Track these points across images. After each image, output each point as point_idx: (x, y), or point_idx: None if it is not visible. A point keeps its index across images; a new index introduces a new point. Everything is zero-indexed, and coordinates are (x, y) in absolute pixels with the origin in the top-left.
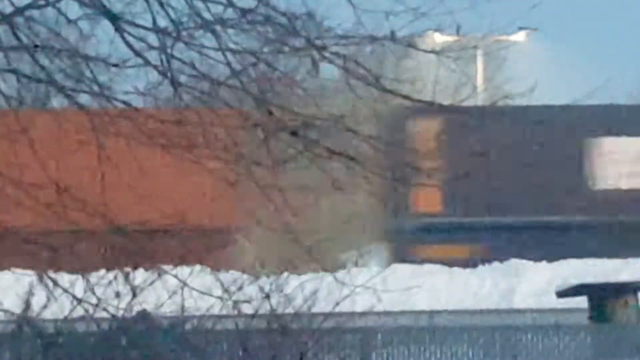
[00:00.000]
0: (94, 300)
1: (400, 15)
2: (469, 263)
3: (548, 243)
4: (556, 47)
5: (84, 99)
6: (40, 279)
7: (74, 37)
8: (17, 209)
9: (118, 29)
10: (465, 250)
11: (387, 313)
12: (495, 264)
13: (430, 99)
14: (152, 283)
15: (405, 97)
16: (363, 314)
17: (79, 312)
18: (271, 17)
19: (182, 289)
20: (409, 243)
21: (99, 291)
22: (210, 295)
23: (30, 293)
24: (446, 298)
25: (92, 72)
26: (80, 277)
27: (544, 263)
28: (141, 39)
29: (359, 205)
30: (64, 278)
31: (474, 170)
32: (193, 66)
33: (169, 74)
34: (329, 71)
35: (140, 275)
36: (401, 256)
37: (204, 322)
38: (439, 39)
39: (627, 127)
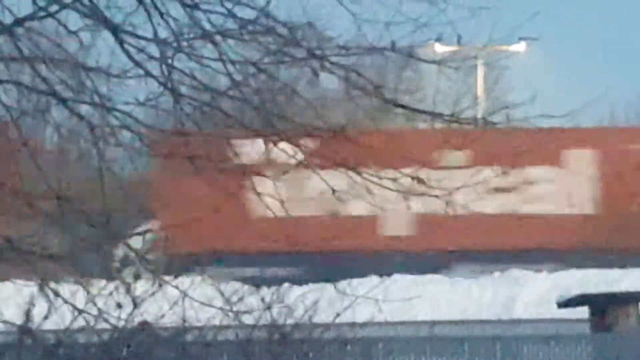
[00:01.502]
0: (94, 311)
1: (401, 26)
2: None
3: None
4: (556, 57)
5: (84, 109)
6: (41, 289)
7: (75, 48)
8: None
9: (118, 40)
10: None
11: (388, 323)
12: (496, 273)
13: (430, 109)
14: (153, 294)
15: (406, 107)
16: (364, 325)
17: (80, 322)
18: (272, 27)
19: (183, 299)
20: None
21: (99, 302)
22: (211, 306)
23: (31, 304)
24: (447, 308)
25: (92, 82)
26: (81, 287)
27: (544, 273)
28: (142, 50)
29: None
30: (65, 288)
31: None
32: (193, 77)
33: (169, 85)
34: (330, 81)
35: (141, 286)
36: None
37: (205, 332)
38: (440, 49)
39: None
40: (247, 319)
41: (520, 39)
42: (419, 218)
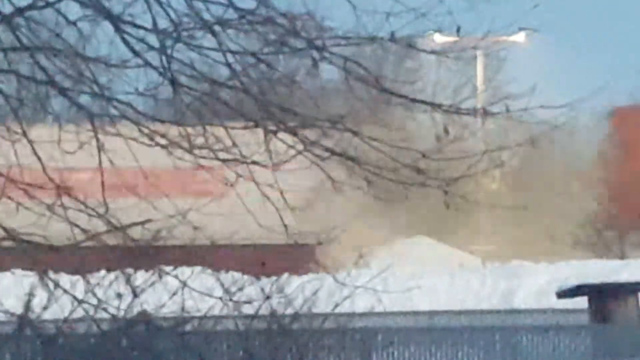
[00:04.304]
0: (94, 301)
1: (401, 16)
2: None
3: None
4: (557, 47)
5: (84, 99)
6: (41, 280)
7: (74, 38)
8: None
9: (118, 30)
10: None
11: (387, 314)
12: (496, 265)
13: (430, 100)
14: (152, 284)
15: (405, 97)
16: (363, 315)
17: (80, 313)
18: (271, 17)
19: (182, 289)
20: None
21: (99, 292)
22: (211, 296)
23: (31, 294)
24: (446, 299)
25: (92, 72)
26: (80, 278)
27: (544, 264)
28: (141, 40)
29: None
30: (65, 279)
31: None
32: (193, 67)
33: (169, 75)
34: (329, 72)
35: (140, 276)
36: None
37: (204, 322)
38: (439, 39)
39: None
40: (247, 309)
41: (520, 29)
42: None
